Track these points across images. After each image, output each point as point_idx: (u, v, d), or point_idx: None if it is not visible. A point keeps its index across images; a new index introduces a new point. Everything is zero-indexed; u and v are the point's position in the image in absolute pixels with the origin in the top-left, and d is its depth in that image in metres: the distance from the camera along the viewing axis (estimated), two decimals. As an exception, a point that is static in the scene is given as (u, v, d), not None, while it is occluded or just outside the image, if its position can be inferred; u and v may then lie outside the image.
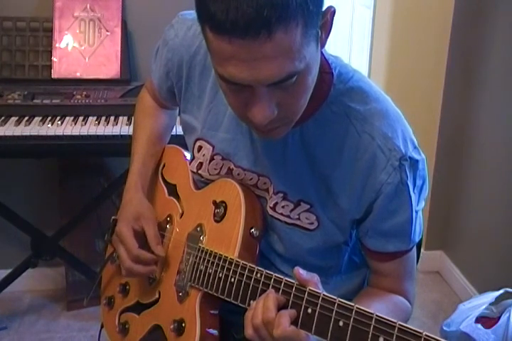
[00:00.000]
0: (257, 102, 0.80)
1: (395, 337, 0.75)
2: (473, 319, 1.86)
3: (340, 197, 0.98)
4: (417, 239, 1.04)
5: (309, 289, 0.85)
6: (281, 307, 0.87)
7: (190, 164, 1.14)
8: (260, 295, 0.91)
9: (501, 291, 1.91)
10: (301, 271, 0.86)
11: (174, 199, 1.18)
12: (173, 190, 1.19)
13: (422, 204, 1.02)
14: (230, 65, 0.76)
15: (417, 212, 1.01)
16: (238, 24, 0.71)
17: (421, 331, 0.73)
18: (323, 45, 0.84)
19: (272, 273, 0.92)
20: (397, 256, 1.03)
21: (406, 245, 1.03)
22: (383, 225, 0.99)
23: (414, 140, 0.97)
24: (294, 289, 0.87)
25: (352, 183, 0.96)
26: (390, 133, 0.94)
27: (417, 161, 0.96)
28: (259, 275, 0.93)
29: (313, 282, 0.86)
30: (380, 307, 0.97)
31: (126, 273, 1.10)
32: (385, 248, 1.02)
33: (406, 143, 0.95)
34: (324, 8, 0.80)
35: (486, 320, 1.85)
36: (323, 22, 0.80)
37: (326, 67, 0.95)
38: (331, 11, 0.82)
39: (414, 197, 0.98)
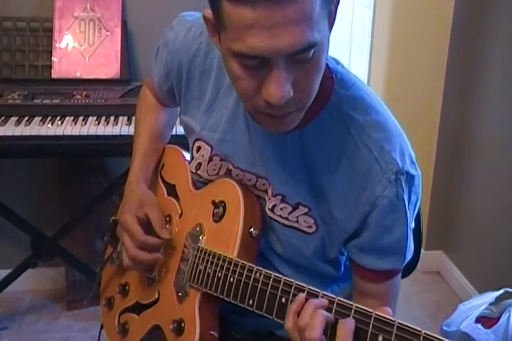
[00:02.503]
0: (275, 79, 0.78)
1: None
2: (473, 319, 1.86)
3: (334, 205, 0.97)
4: (408, 257, 1.02)
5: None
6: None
7: (189, 164, 1.14)
8: (259, 294, 0.91)
9: (501, 291, 1.91)
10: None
11: (173, 200, 1.18)
12: (172, 190, 1.19)
13: (413, 224, 1.01)
14: (250, 36, 0.75)
15: (410, 229, 0.99)
16: None
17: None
18: (328, 37, 0.84)
19: (271, 272, 0.92)
20: (390, 275, 1.02)
21: (400, 263, 1.01)
22: (379, 242, 0.97)
23: (413, 154, 0.96)
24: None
25: (347, 193, 0.95)
26: (387, 146, 0.93)
27: (413, 177, 0.94)
28: (258, 274, 0.93)
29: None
30: None
31: (130, 262, 1.09)
32: (380, 265, 1.00)
33: (403, 157, 0.94)
34: None
35: (486, 320, 1.85)
36: (330, 8, 0.81)
37: (327, 71, 0.94)
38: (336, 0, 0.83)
39: (409, 213, 0.96)
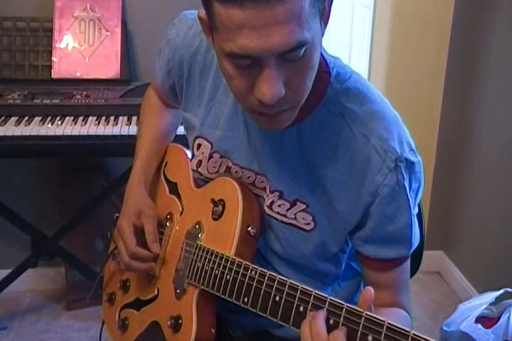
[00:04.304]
0: (266, 78, 0.79)
1: None
2: (473, 319, 1.86)
3: (336, 198, 0.97)
4: (416, 244, 1.02)
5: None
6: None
7: (190, 162, 1.14)
8: (254, 292, 0.91)
9: (501, 291, 1.91)
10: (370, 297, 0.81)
11: (175, 198, 1.18)
12: (174, 188, 1.20)
13: (416, 209, 1.00)
14: (240, 36, 0.76)
15: (413, 215, 0.99)
16: None
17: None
18: (322, 34, 0.84)
19: (266, 271, 0.92)
20: (397, 263, 1.01)
21: (406, 250, 1.01)
22: (383, 231, 0.97)
23: (411, 142, 0.96)
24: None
25: (347, 185, 0.95)
26: (385, 134, 0.93)
27: (412, 163, 0.94)
28: (253, 272, 0.93)
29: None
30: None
31: (125, 269, 1.11)
32: (386, 254, 0.99)
33: (402, 144, 0.94)
34: None
35: (486, 320, 1.85)
36: (323, 7, 0.81)
37: (324, 66, 0.95)
38: None
39: (411, 200, 0.96)
